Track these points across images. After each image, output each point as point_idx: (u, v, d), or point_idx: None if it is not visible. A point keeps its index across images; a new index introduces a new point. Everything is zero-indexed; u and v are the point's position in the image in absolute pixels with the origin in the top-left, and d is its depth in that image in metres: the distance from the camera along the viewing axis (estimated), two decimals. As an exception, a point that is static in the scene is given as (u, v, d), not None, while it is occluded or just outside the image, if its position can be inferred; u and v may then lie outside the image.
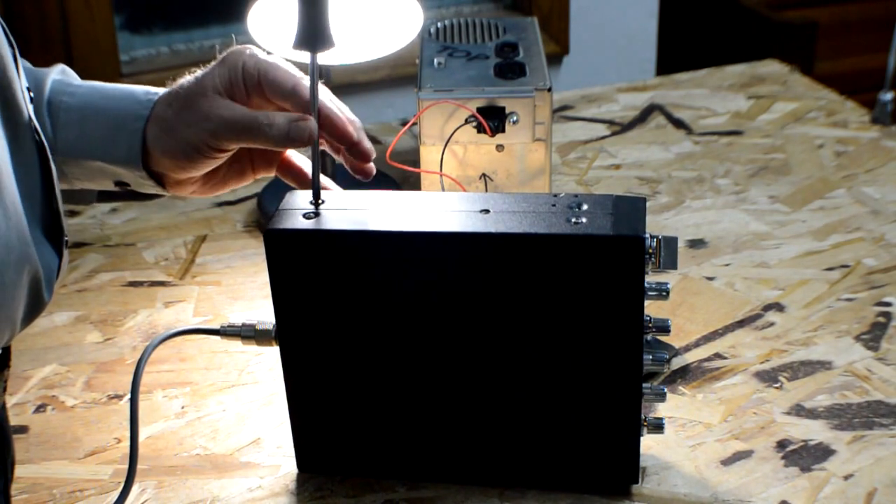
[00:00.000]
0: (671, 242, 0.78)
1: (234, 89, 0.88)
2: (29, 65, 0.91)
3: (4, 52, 0.75)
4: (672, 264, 0.79)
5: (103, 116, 0.89)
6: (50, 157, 0.79)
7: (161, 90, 0.91)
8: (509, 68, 1.23)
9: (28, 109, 0.78)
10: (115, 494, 0.87)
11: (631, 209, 0.81)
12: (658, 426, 0.85)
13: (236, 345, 1.04)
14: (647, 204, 1.26)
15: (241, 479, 0.88)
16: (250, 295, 1.12)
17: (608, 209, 0.80)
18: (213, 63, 0.90)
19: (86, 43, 1.93)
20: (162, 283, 1.14)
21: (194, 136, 0.86)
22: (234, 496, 0.87)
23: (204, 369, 1.02)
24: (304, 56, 1.19)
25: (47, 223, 0.79)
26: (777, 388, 0.98)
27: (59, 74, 0.92)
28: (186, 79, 0.90)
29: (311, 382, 0.84)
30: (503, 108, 1.17)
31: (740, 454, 0.91)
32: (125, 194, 0.94)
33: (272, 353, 1.03)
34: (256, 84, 0.87)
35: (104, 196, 0.96)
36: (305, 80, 0.87)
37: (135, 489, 0.87)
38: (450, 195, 0.84)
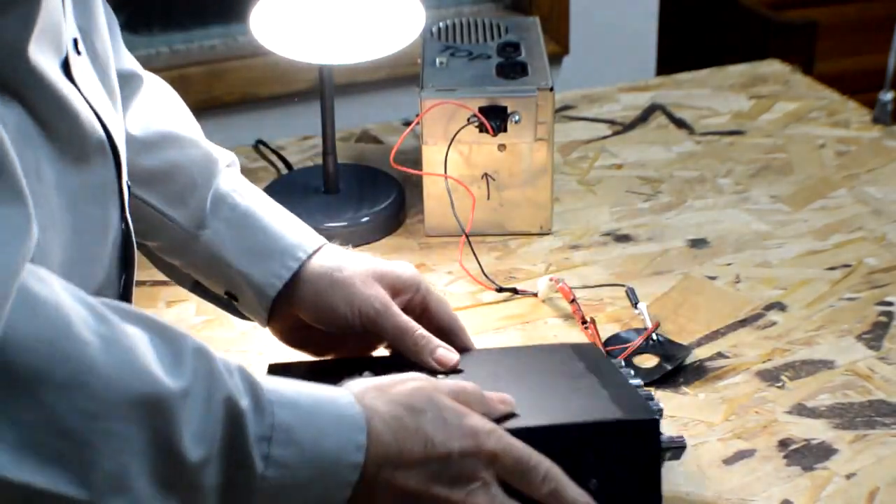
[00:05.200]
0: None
1: (400, 291, 0.91)
2: (207, 147, 0.96)
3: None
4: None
5: (265, 234, 0.92)
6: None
7: (323, 241, 0.94)
8: (511, 68, 1.23)
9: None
10: (118, 494, 0.87)
11: (606, 368, 0.86)
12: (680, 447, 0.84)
13: (237, 344, 1.04)
14: (649, 204, 1.27)
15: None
16: (252, 294, 1.12)
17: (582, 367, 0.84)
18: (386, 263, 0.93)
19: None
20: (164, 283, 1.14)
21: (349, 311, 0.89)
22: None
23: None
24: (308, 55, 1.19)
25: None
26: (779, 387, 0.98)
27: (232, 164, 0.97)
28: (359, 255, 0.93)
29: None
30: (505, 108, 1.17)
31: (742, 453, 0.91)
32: (221, 301, 0.97)
33: (273, 352, 1.03)
34: (422, 301, 0.92)
35: (198, 290, 0.99)
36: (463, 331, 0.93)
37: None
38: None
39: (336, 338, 0.93)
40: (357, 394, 0.73)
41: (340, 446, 0.69)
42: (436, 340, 0.89)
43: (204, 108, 2.03)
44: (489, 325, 1.07)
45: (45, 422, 0.60)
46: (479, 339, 1.05)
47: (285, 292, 0.91)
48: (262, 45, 1.18)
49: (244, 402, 0.67)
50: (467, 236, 1.16)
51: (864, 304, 1.09)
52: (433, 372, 0.86)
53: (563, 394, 0.83)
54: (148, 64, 2.27)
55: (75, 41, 0.76)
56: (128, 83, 0.95)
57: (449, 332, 0.92)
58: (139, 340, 0.64)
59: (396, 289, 0.91)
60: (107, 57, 0.83)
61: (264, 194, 0.96)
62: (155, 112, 0.96)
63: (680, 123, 1.46)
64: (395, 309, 0.89)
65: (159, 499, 0.64)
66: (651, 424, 0.77)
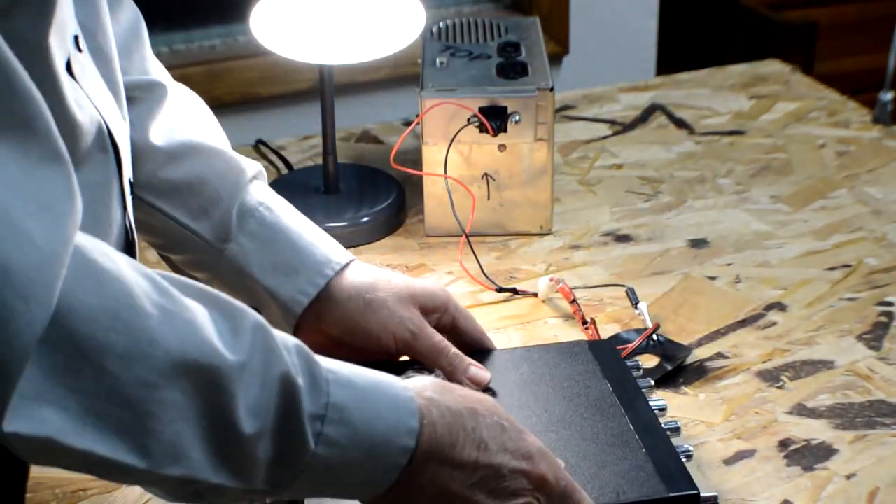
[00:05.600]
0: None
1: (432, 310, 0.92)
2: (233, 158, 0.95)
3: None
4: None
5: (292, 249, 0.92)
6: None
7: (351, 257, 0.94)
8: (511, 68, 1.23)
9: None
10: (117, 494, 0.87)
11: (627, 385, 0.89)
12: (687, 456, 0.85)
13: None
14: (649, 204, 1.27)
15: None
16: (252, 294, 1.12)
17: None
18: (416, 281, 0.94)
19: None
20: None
21: (383, 333, 0.90)
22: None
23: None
24: (308, 55, 1.19)
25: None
26: (779, 387, 0.98)
27: (258, 176, 0.96)
28: (389, 273, 0.94)
29: None
30: (505, 108, 1.17)
31: (743, 453, 0.91)
32: None
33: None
34: (451, 320, 0.93)
35: None
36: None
37: (137, 489, 0.87)
38: None
39: (364, 352, 0.93)
40: (416, 387, 0.73)
41: (393, 429, 0.69)
42: (468, 360, 0.90)
43: (204, 108, 2.04)
44: (489, 325, 1.07)
45: (107, 391, 0.61)
46: (480, 339, 1.05)
47: (312, 309, 0.91)
48: (262, 45, 1.18)
49: (300, 380, 0.67)
50: (467, 236, 1.16)
51: (864, 305, 1.09)
52: None
53: (601, 453, 0.83)
54: (148, 64, 2.25)
55: (76, 38, 0.76)
56: (151, 92, 0.94)
57: (477, 343, 0.94)
58: (199, 314, 0.65)
59: (428, 308, 0.92)
60: (111, 53, 0.83)
61: (292, 207, 0.96)
62: (179, 122, 0.95)
63: (680, 123, 1.46)
64: (429, 330, 0.91)
65: (213, 469, 0.65)
66: (693, 499, 0.79)
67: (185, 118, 0.96)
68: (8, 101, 0.59)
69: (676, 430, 0.87)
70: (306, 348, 0.69)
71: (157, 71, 0.98)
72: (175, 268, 0.97)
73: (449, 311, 0.93)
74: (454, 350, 0.90)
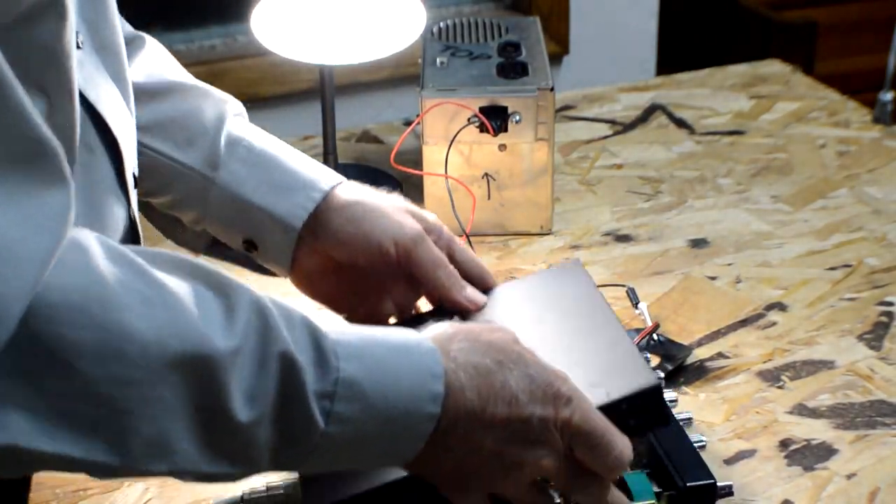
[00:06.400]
0: None
1: (427, 230, 0.89)
2: (217, 94, 0.93)
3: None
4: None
5: (284, 171, 0.88)
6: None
7: (343, 178, 0.91)
8: (512, 68, 1.23)
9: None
10: (118, 494, 0.87)
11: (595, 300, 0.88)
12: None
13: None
14: (649, 204, 1.27)
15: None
16: (253, 294, 1.12)
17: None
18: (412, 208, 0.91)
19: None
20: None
21: (384, 238, 0.86)
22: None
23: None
24: (308, 56, 1.20)
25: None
26: (779, 387, 0.98)
27: (241, 114, 0.94)
28: (381, 192, 0.92)
29: None
30: (506, 108, 1.17)
31: (743, 453, 0.91)
32: (238, 258, 0.93)
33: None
34: (447, 246, 0.89)
35: (212, 251, 0.95)
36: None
37: (138, 488, 0.87)
38: None
39: (364, 285, 0.90)
40: (439, 340, 0.70)
41: (414, 398, 0.66)
42: (463, 280, 0.87)
43: (204, 108, 2.04)
44: (490, 325, 1.07)
45: (78, 391, 0.58)
46: (480, 339, 1.05)
47: (310, 227, 0.87)
48: (262, 46, 1.18)
49: (303, 357, 0.64)
50: (468, 236, 1.16)
51: (864, 304, 1.09)
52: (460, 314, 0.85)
53: (597, 358, 0.82)
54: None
55: (76, 34, 0.76)
56: (132, 42, 0.93)
57: (476, 277, 0.90)
58: (185, 296, 0.62)
59: (424, 228, 0.88)
60: (117, 47, 0.81)
61: (278, 139, 0.93)
62: (159, 65, 0.94)
63: (680, 123, 1.46)
64: (431, 242, 0.87)
65: (206, 460, 0.63)
66: (709, 489, 0.80)
67: (165, 62, 0.95)
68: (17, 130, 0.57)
69: (689, 422, 0.87)
70: (312, 321, 0.66)
71: (128, 28, 0.96)
72: (161, 220, 0.94)
73: (443, 238, 0.89)
74: (452, 267, 0.87)
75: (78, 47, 0.76)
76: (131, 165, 0.81)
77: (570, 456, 0.72)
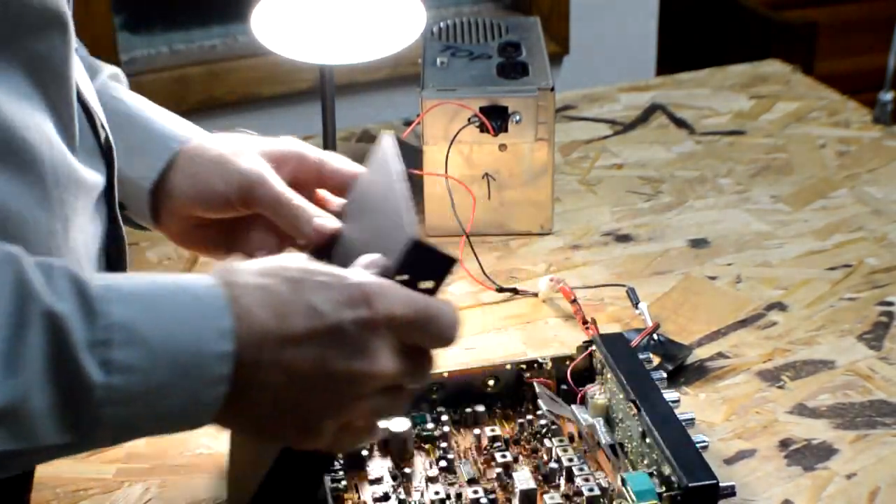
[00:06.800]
0: None
1: (283, 161, 0.86)
2: (84, 52, 0.90)
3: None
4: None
5: (143, 130, 0.87)
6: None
7: (207, 134, 0.89)
8: (512, 68, 1.23)
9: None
10: (119, 494, 0.87)
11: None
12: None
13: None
14: (649, 204, 1.27)
15: (245, 479, 0.88)
16: (253, 294, 1.12)
17: None
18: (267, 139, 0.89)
19: (85, 43, 1.93)
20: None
21: (225, 185, 0.84)
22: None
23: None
24: (308, 55, 1.20)
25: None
26: (780, 387, 0.98)
27: (115, 77, 0.92)
28: (242, 135, 0.89)
29: None
30: (506, 108, 1.17)
31: (743, 453, 0.91)
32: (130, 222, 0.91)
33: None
34: (315, 167, 0.87)
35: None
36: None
37: (138, 488, 0.87)
38: None
39: (230, 234, 0.88)
40: (221, 274, 0.65)
41: (199, 336, 0.61)
42: (313, 209, 0.83)
43: (204, 108, 2.04)
44: (490, 325, 1.07)
45: None
46: (480, 339, 1.05)
47: (162, 186, 0.85)
48: (262, 45, 1.18)
49: (65, 307, 0.59)
50: (468, 236, 1.16)
51: (864, 304, 1.09)
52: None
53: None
54: (148, 64, 2.29)
55: None
56: None
57: (351, 183, 0.86)
58: None
59: (279, 160, 0.86)
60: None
61: (144, 98, 0.90)
62: None
63: (680, 123, 1.46)
64: (273, 181, 0.83)
65: None
66: (711, 489, 0.78)
67: None
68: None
69: (691, 422, 0.87)
70: (73, 268, 0.61)
71: None
72: None
73: (308, 161, 0.86)
74: (297, 201, 0.83)
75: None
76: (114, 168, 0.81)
77: (404, 348, 0.68)
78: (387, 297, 0.67)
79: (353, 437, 0.70)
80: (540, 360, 0.94)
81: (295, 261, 0.68)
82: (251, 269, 0.66)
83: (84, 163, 0.76)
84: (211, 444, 0.92)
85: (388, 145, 0.80)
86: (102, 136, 0.80)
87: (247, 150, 0.86)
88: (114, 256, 0.82)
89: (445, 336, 0.69)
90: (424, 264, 0.71)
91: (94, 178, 0.78)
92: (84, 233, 0.77)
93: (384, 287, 0.67)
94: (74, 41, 0.74)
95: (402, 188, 0.74)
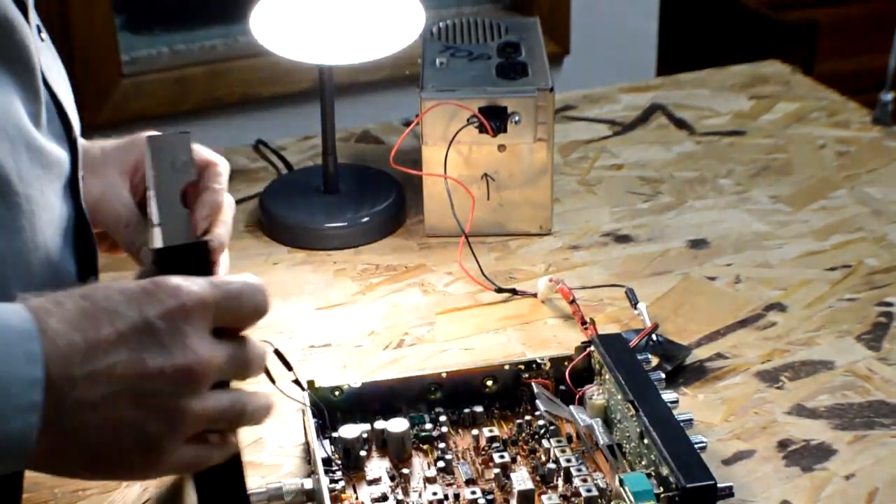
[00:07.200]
0: None
1: (136, 165, 0.86)
2: None
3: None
4: None
5: None
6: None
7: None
8: (511, 68, 1.23)
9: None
10: (117, 494, 0.87)
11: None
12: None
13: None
14: (649, 204, 1.27)
15: (244, 479, 0.88)
16: (252, 295, 1.12)
17: None
18: (120, 141, 0.88)
19: (86, 43, 1.93)
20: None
21: (93, 210, 0.84)
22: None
23: (206, 369, 1.02)
24: (307, 56, 1.20)
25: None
26: (778, 387, 0.98)
27: None
28: (98, 145, 0.88)
29: None
30: (505, 108, 1.17)
31: (742, 454, 0.91)
32: None
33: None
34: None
35: None
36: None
37: (136, 489, 0.87)
38: None
39: (107, 246, 0.88)
40: (27, 298, 0.62)
41: (6, 361, 0.58)
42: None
43: (204, 108, 2.04)
44: (489, 326, 1.07)
45: None
46: (479, 339, 1.05)
47: None
48: (262, 46, 1.18)
49: None
50: (467, 237, 1.16)
51: (863, 305, 1.09)
52: None
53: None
54: (149, 64, 2.29)
55: (38, 28, 0.77)
56: None
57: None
58: None
59: (133, 168, 0.86)
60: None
61: None
62: None
63: (680, 124, 1.46)
64: (115, 193, 0.84)
65: None
66: (710, 490, 0.78)
67: None
68: None
69: (689, 423, 0.87)
70: None
71: None
72: None
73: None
74: (137, 219, 0.83)
75: (42, 40, 0.76)
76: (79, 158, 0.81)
77: (221, 333, 0.66)
78: (191, 284, 0.64)
79: (207, 451, 0.67)
80: (538, 361, 0.94)
81: (93, 285, 0.65)
82: (56, 293, 0.63)
83: (50, 141, 0.76)
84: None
85: (151, 147, 0.77)
86: (74, 129, 0.81)
87: (100, 168, 0.85)
88: (81, 244, 0.82)
89: (260, 308, 0.67)
90: (183, 262, 0.69)
91: (59, 154, 0.78)
92: (51, 212, 0.77)
93: (180, 279, 0.65)
94: (36, 22, 0.75)
95: (152, 195, 0.73)
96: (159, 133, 0.78)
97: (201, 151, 0.86)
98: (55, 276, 0.78)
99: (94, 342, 0.61)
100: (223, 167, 0.85)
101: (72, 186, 0.81)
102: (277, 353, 0.82)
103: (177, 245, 0.70)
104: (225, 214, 0.84)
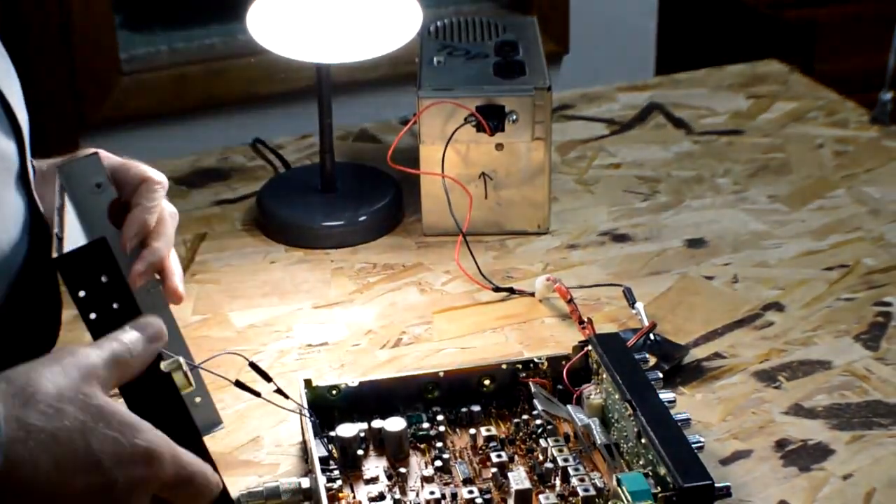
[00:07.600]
0: None
1: None
2: None
3: None
4: None
5: None
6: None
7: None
8: (509, 67, 1.23)
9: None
10: (114, 493, 0.87)
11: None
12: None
13: (235, 343, 1.04)
14: (647, 203, 1.27)
15: (240, 478, 0.88)
16: (249, 294, 1.12)
17: None
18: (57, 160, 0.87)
19: (86, 42, 1.93)
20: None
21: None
22: (233, 494, 0.86)
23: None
24: (305, 54, 1.19)
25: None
26: (776, 387, 0.98)
27: None
28: (46, 163, 0.88)
29: None
30: (503, 107, 1.17)
31: (739, 454, 0.91)
32: None
33: (271, 351, 1.03)
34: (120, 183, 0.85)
35: None
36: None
37: None
38: None
39: None
40: (12, 402, 0.61)
41: None
42: None
43: (203, 106, 2.04)
44: (486, 325, 1.07)
45: None
46: (476, 338, 1.05)
47: None
48: (260, 44, 1.18)
49: None
50: (464, 235, 1.16)
51: (861, 305, 1.09)
52: None
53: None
54: (148, 63, 2.29)
55: None
56: None
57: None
58: None
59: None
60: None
61: None
62: None
63: (678, 123, 1.46)
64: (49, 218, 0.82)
65: None
66: (707, 490, 0.78)
67: None
68: None
69: (686, 423, 0.87)
70: None
71: None
72: None
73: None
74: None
75: None
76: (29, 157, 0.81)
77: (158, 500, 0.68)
78: (163, 458, 0.66)
79: None
80: (536, 360, 0.94)
81: (77, 391, 0.64)
82: (50, 394, 0.62)
83: None
84: (207, 442, 0.92)
85: (63, 174, 0.80)
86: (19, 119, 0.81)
87: (47, 213, 0.84)
88: (35, 235, 0.82)
89: (207, 496, 0.69)
90: (85, 266, 0.71)
91: (5, 146, 0.78)
92: (3, 205, 0.77)
93: (160, 444, 0.66)
94: None
95: (56, 215, 0.75)
96: (68, 158, 0.79)
97: (137, 167, 0.86)
98: (7, 266, 0.79)
99: (67, 490, 0.61)
100: (159, 182, 0.85)
101: (22, 178, 0.81)
102: (253, 365, 0.82)
103: (72, 251, 0.71)
104: (165, 227, 0.84)
